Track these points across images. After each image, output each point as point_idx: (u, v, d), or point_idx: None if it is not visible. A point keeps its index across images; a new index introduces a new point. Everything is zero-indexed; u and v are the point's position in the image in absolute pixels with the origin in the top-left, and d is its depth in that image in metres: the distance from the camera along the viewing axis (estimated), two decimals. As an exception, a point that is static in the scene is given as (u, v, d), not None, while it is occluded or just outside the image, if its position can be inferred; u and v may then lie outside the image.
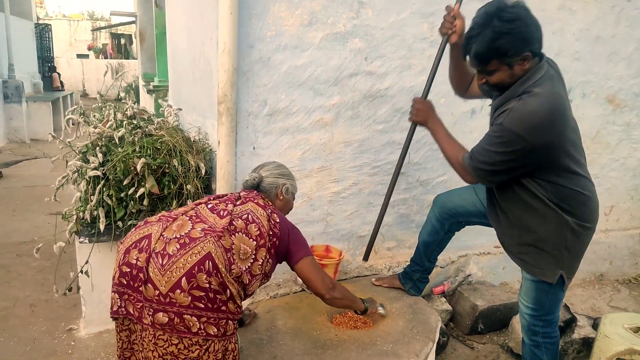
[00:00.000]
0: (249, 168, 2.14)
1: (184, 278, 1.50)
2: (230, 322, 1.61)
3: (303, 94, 2.60)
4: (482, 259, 3.26)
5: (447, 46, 2.12)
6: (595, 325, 2.78)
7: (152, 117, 3.17)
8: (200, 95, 3.02)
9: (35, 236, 4.23)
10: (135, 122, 2.90)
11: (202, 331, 1.53)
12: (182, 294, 1.50)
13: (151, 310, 1.52)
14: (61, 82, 13.10)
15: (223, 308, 1.58)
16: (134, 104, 3.23)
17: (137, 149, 2.61)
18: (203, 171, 2.64)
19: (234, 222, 1.67)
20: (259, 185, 1.94)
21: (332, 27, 2.56)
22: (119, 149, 2.62)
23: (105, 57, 20.34)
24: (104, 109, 3.30)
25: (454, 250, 3.16)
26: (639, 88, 3.48)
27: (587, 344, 2.67)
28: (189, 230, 1.60)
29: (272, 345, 2.13)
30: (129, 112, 3.00)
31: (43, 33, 13.07)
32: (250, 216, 1.72)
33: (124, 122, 2.81)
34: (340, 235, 2.92)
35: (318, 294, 1.87)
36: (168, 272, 1.51)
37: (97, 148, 2.67)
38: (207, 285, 1.53)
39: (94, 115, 3.19)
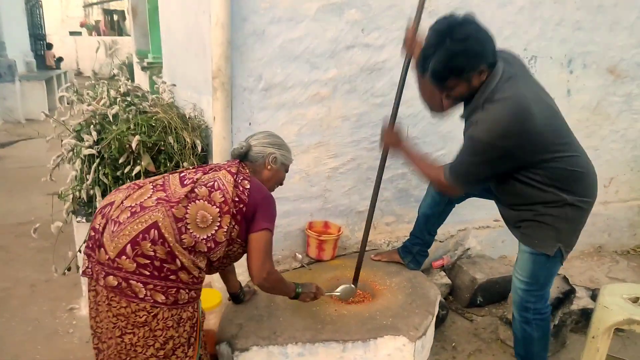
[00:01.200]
0: (246, 144, 2.11)
1: (128, 245, 1.55)
2: (182, 291, 1.62)
3: (299, 68, 2.55)
4: (481, 232, 3.26)
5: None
6: (593, 296, 2.80)
7: (146, 94, 3.11)
8: (195, 71, 2.96)
9: (33, 216, 4.21)
10: (129, 99, 2.85)
11: (149, 298, 1.56)
12: (128, 260, 1.55)
13: (103, 272, 1.58)
14: (57, 59, 12.85)
15: (172, 277, 1.59)
16: (128, 80, 3.16)
17: (132, 127, 2.57)
18: (199, 148, 2.61)
19: (195, 190, 1.67)
20: (247, 153, 1.92)
21: (328, -2, 2.49)
22: (113, 127, 2.58)
23: (99, 34, 19.99)
24: (97, 86, 3.24)
25: (453, 225, 3.15)
26: (640, 58, 3.43)
27: (586, 314, 2.69)
28: (144, 200, 1.63)
29: (271, 321, 2.14)
30: (123, 89, 2.95)
31: (34, 10, 12.78)
32: (216, 183, 1.71)
33: (118, 100, 2.76)
34: (339, 211, 2.91)
35: (250, 272, 1.80)
36: (116, 238, 1.56)
37: (91, 126, 2.63)
38: (152, 254, 1.56)
39: (88, 93, 3.13)
